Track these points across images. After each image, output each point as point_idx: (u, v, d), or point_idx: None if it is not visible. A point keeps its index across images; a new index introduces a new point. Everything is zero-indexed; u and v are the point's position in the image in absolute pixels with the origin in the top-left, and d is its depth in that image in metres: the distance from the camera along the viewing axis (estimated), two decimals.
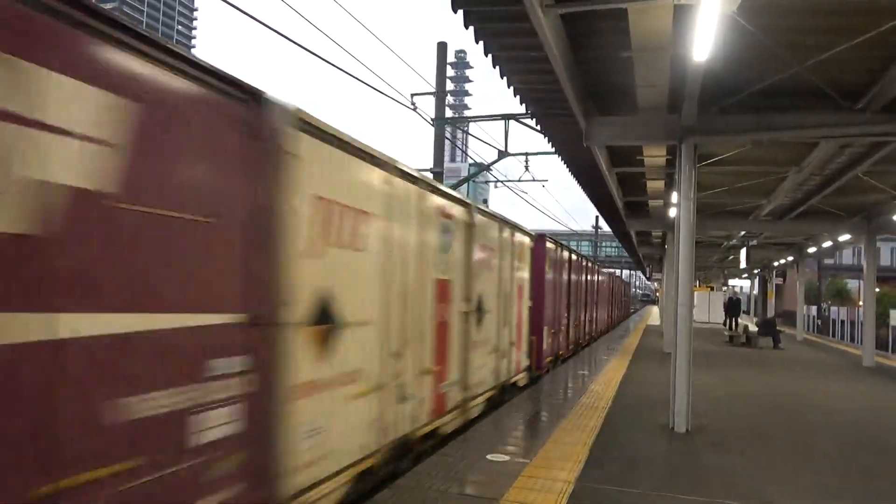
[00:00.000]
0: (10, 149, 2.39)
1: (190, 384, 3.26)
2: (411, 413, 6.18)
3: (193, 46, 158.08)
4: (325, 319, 4.58)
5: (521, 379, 11.27)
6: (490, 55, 7.26)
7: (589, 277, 20.21)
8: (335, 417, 4.73)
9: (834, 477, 6.34)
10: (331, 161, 4.69)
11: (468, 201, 8.25)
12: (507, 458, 6.35)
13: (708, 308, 35.52)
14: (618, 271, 56.04)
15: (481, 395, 8.76)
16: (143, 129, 2.95)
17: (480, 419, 8.31)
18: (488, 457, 6.34)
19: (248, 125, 3.68)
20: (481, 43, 6.91)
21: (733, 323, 26.95)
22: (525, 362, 11.59)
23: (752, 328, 23.17)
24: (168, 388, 3.11)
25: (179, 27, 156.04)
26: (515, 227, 10.69)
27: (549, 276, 12.94)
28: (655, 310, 53.53)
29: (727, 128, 8.30)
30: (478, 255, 8.45)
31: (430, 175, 15.43)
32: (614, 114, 9.02)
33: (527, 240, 11.54)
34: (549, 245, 12.74)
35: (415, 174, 6.30)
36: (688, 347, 8.17)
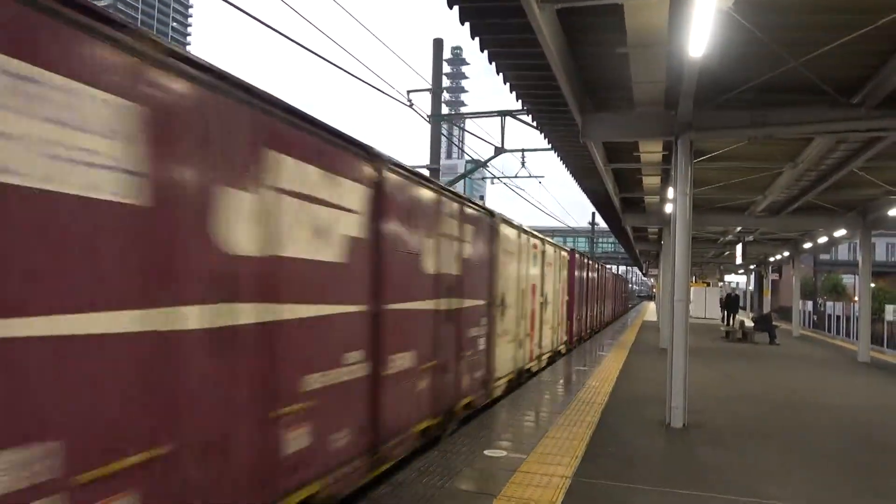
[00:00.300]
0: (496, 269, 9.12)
1: (477, 327, 8.32)
2: (522, 356, 11.47)
3: (188, 44, 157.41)
4: (502, 304, 9.69)
5: (563, 348, 16.47)
6: (486, 51, 7.25)
7: (599, 278, 24.86)
8: (503, 350, 9.86)
9: (829, 473, 6.37)
10: (506, 232, 9.99)
11: (542, 237, 13.08)
12: (504, 453, 6.36)
13: (704, 304, 35.62)
14: (614, 267, 56.15)
15: (546, 353, 14.01)
16: (472, 236, 8.03)
17: (545, 368, 13.42)
18: (486, 452, 6.35)
19: (490, 225, 8.91)
20: (477, 39, 6.90)
21: (731, 319, 26.87)
22: (564, 337, 16.75)
23: (749, 324, 23.23)
24: (475, 328, 8.22)
25: (174, 24, 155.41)
26: (560, 248, 15.68)
27: (576, 278, 17.93)
28: (652, 306, 53.63)
29: (723, 124, 8.31)
30: (545, 267, 13.51)
31: (426, 172, 15.43)
32: (610, 110, 9.03)
33: (566, 254, 16.46)
34: (577, 256, 18.18)
35: (526, 228, 11.50)
36: (684, 343, 8.19)
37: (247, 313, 3.61)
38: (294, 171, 4.10)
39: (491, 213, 8.98)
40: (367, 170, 5.11)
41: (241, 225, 3.55)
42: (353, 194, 4.86)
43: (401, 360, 5.79)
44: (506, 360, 10.14)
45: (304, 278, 4.25)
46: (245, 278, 3.60)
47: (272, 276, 3.87)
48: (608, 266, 38.32)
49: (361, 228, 4.98)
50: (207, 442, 3.34)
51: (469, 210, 7.94)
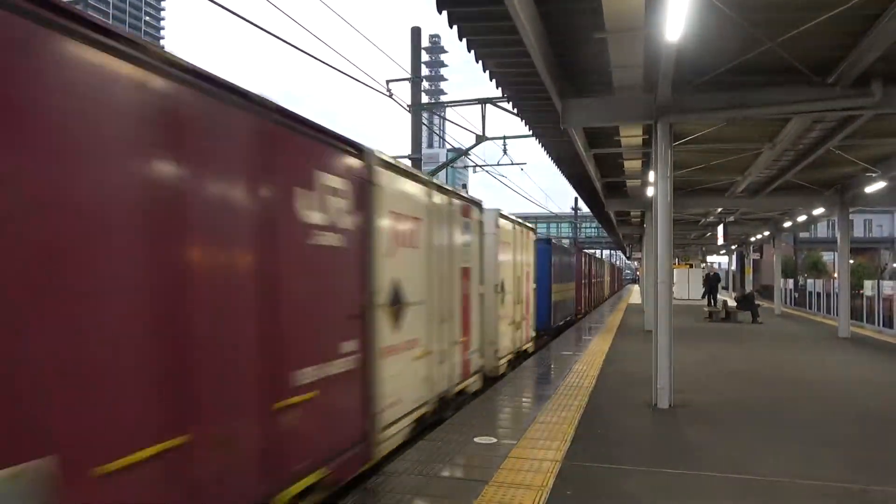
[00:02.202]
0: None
1: (574, 291, 23.23)
2: (583, 303, 26.78)
3: (162, 38, 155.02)
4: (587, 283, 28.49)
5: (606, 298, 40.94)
6: (465, 39, 7.23)
7: (611, 269, 51.55)
8: (561, 303, 19.49)
9: (815, 446, 6.49)
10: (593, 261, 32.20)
11: (599, 257, 43.27)
12: (494, 440, 6.41)
13: (687, 285, 35.99)
14: (598, 252, 57.56)
15: (599, 302, 33.60)
16: (595, 267, 32.75)
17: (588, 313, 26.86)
18: (476, 440, 6.40)
19: (575, 254, 24.53)
20: (456, 27, 6.88)
21: (713, 299, 26.87)
22: (608, 294, 43.89)
23: (732, 303, 23.50)
24: (578, 291, 24.97)
25: (147, 18, 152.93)
26: (615, 265, 59.52)
27: (607, 270, 44.40)
28: (636, 289, 54.32)
29: (702, 106, 8.37)
30: (610, 271, 45.75)
31: (408, 162, 15.40)
32: (590, 95, 9.05)
33: (610, 265, 50.76)
34: (616, 266, 64.16)
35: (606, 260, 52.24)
36: (668, 324, 8.28)
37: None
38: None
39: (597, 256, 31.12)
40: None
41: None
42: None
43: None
44: (565, 308, 20.07)
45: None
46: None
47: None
48: (591, 251, 44.35)
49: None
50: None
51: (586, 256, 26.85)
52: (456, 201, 8.38)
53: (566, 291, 20.30)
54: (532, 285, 13.92)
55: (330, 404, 4.68)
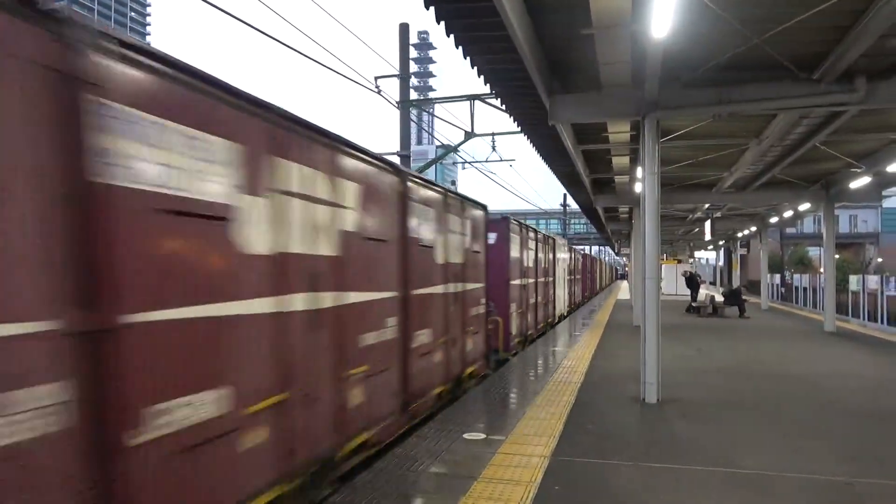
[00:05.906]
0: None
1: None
2: (582, 295, 33.53)
3: (148, 34, 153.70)
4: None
5: (605, 283, 58.76)
6: (453, 35, 7.21)
7: (611, 268, 76.37)
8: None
9: (800, 439, 6.56)
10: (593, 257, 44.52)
11: (594, 256, 50.33)
12: (483, 435, 6.43)
13: (675, 281, 36.21)
14: (587, 248, 58.03)
15: (600, 289, 48.17)
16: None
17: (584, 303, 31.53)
18: (465, 436, 6.41)
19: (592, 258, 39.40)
20: (443, 23, 6.86)
21: (694, 297, 26.29)
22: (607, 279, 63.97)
23: (719, 298, 23.67)
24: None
25: (132, 13, 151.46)
26: (616, 267, 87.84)
27: (615, 270, 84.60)
28: (625, 284, 54.68)
29: (689, 102, 8.40)
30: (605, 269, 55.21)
31: (397, 159, 15.38)
32: (578, 91, 9.05)
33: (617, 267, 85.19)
34: (618, 267, 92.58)
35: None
36: (656, 320, 8.32)
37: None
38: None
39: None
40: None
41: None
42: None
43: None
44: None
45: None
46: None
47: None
48: (581, 247, 42.85)
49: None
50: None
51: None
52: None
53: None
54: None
55: None
